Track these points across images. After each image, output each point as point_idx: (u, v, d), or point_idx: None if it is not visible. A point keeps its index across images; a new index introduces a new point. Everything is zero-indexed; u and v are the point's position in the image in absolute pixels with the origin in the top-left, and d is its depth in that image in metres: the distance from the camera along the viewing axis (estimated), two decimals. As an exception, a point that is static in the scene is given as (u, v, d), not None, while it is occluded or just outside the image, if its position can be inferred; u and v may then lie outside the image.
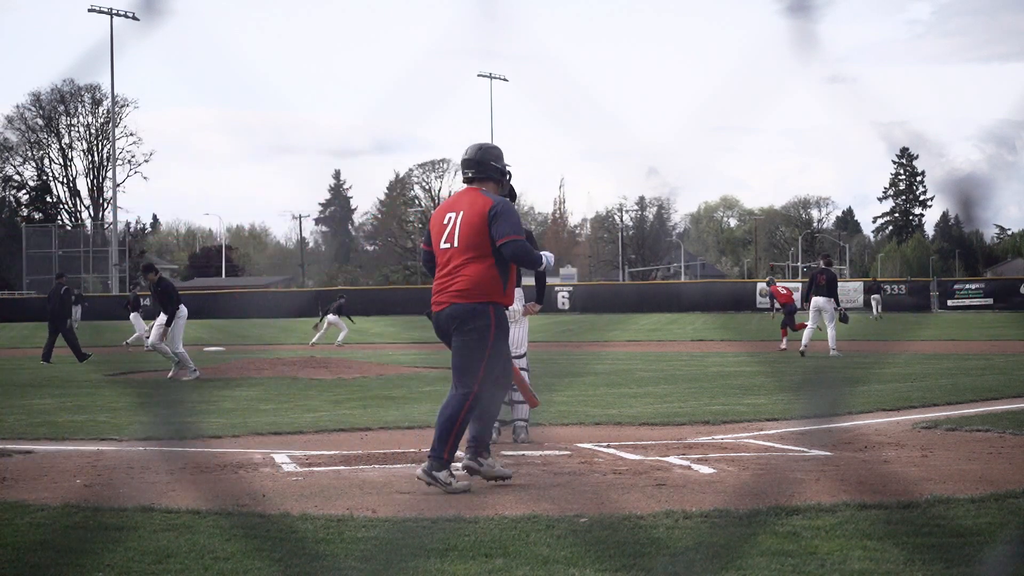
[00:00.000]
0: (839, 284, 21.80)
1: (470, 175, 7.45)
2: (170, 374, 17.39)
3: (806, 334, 21.19)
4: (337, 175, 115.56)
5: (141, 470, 7.98)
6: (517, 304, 9.66)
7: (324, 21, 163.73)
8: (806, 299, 21.43)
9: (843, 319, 21.56)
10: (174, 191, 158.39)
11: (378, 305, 59.21)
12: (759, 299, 59.21)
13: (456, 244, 7.23)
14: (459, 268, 7.21)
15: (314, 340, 29.64)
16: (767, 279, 38.53)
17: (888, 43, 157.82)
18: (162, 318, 17.39)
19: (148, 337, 18.02)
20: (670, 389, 14.38)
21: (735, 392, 13.76)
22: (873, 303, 48.94)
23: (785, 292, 26.06)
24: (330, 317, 29.87)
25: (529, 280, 9.84)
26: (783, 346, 24.51)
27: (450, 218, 7.32)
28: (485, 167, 7.43)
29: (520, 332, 9.70)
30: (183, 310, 17.54)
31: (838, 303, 21.19)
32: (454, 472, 7.08)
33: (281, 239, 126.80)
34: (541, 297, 9.72)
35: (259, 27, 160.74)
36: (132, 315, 29.88)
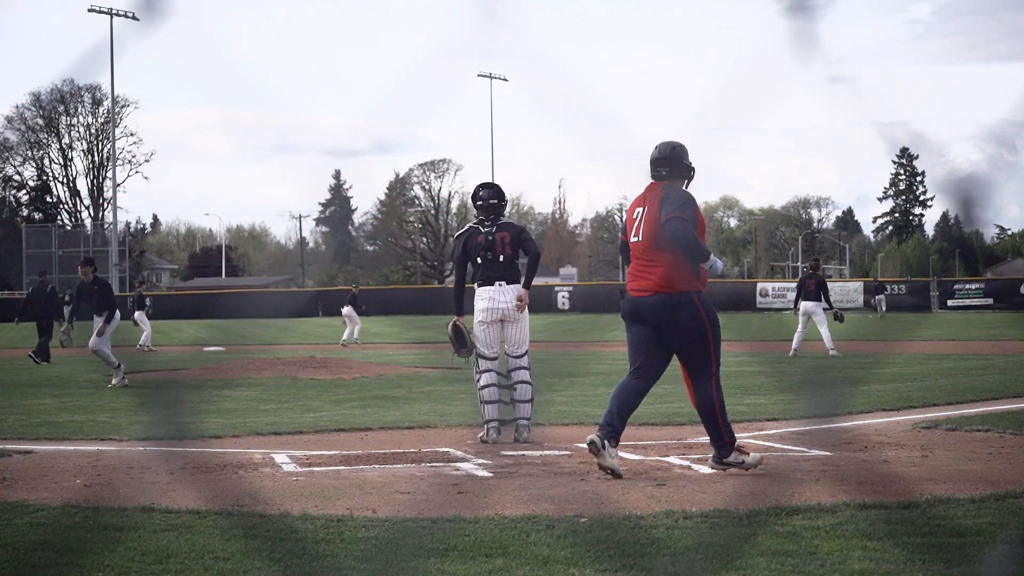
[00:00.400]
0: (830, 285, 21.90)
1: (664, 173, 7.65)
2: (113, 382, 16.01)
3: (796, 338, 21.32)
4: (337, 175, 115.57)
5: (141, 470, 7.98)
6: (508, 298, 9.56)
7: (324, 21, 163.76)
8: (796, 305, 21.58)
9: (838, 318, 21.61)
10: (174, 191, 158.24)
11: (378, 305, 59.17)
12: (759, 299, 59.27)
13: (641, 238, 7.53)
14: (649, 260, 7.49)
15: (344, 338, 29.83)
16: None
17: (888, 43, 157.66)
18: (99, 320, 16.36)
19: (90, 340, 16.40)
20: (670, 389, 14.34)
21: (735, 392, 13.74)
22: (877, 303, 48.97)
23: None
24: (344, 310, 30.10)
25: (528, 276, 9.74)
26: None
27: (639, 212, 7.63)
28: (679, 166, 7.68)
29: (519, 331, 9.67)
30: (117, 315, 16.53)
31: (830, 304, 21.34)
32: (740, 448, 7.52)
33: (281, 239, 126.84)
34: (529, 281, 9.63)
35: (259, 27, 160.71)
36: (136, 314, 29.69)
